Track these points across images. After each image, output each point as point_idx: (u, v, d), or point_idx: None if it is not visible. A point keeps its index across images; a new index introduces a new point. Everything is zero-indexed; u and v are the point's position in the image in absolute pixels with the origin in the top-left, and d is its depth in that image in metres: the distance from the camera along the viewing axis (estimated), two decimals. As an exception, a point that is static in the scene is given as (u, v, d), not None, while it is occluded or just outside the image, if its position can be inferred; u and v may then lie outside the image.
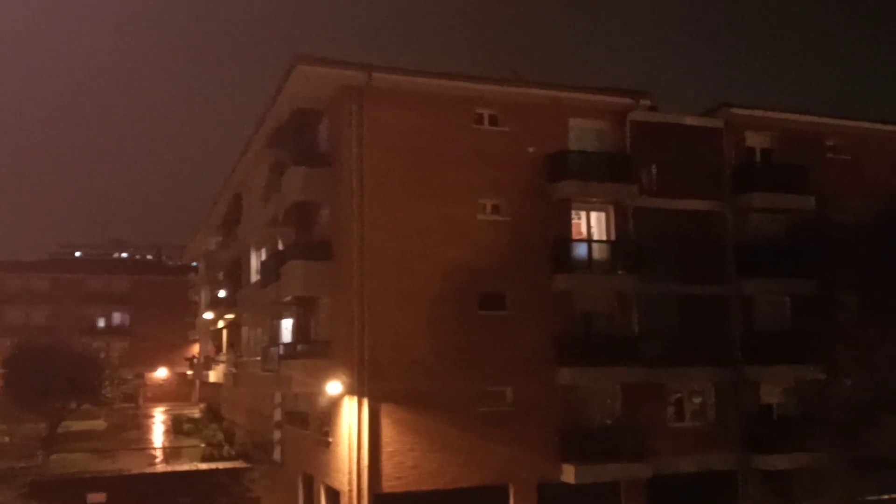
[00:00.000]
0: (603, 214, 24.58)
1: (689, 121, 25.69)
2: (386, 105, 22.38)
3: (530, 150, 23.40)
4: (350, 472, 21.25)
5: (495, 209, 23.24)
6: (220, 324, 43.86)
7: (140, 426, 50.77)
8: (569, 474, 22.31)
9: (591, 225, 24.55)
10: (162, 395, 73.69)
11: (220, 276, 42.85)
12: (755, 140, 26.54)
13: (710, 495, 24.27)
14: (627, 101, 24.57)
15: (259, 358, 29.93)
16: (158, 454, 33.76)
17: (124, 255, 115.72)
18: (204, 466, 28.22)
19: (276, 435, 30.06)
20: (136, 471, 28.28)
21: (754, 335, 25.38)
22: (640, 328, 24.23)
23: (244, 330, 37.20)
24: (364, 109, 22.18)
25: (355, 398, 21.44)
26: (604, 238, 24.47)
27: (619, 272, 23.72)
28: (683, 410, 24.82)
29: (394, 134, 22.39)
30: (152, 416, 58.28)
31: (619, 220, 24.46)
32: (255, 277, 32.73)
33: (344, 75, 22.24)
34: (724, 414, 24.89)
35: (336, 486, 22.39)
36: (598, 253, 23.80)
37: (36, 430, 36.66)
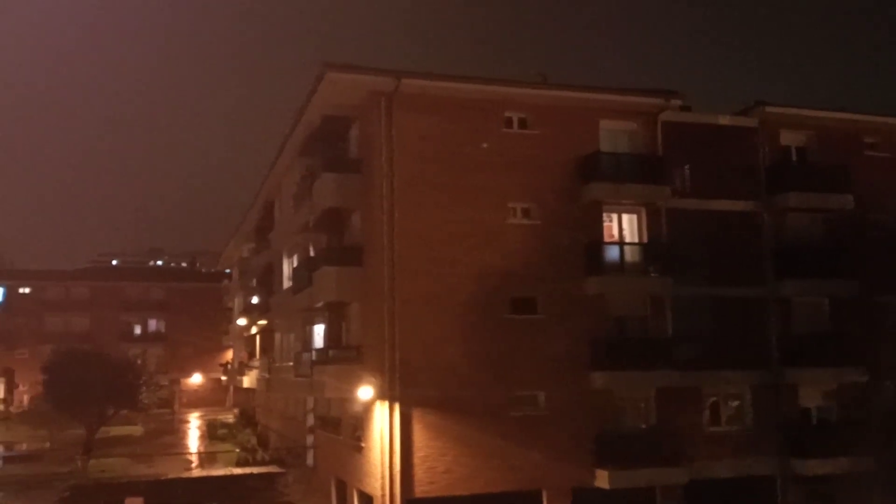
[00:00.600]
0: (635, 216, 24.32)
1: (723, 120, 25.32)
2: (415, 110, 22.37)
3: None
4: (382, 477, 21.19)
5: (525, 213, 23.09)
6: (254, 330, 44.20)
7: (176, 431, 51.39)
8: (603, 479, 22.05)
9: (622, 227, 24.31)
10: (197, 400, 74.52)
11: (254, 282, 43.18)
12: (790, 139, 26.08)
13: (748, 501, 23.81)
14: (658, 101, 24.30)
15: (292, 363, 30.07)
16: (194, 459, 34.09)
17: (160, 263, 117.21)
18: (238, 471, 28.44)
19: (310, 440, 30.15)
20: (172, 475, 28.58)
21: (792, 338, 24.90)
22: (675, 331, 23.86)
23: (277, 335, 37.42)
24: (393, 115, 22.21)
25: (387, 403, 21.41)
26: (636, 240, 24.22)
27: (653, 275, 23.42)
28: (720, 414, 24.44)
29: (423, 139, 22.37)
30: (188, 422, 58.96)
31: (652, 221, 24.16)
32: (287, 283, 32.90)
33: (373, 81, 22.29)
34: (762, 418, 24.45)
35: (369, 491, 22.36)
36: (631, 255, 23.53)
37: (75, 435, 37.20)
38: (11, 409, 62.95)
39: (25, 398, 63.98)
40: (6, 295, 74.56)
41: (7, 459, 39.75)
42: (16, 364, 69.23)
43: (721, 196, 24.83)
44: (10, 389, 66.77)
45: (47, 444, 39.85)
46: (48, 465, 33.36)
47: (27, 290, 75.23)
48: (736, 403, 24.65)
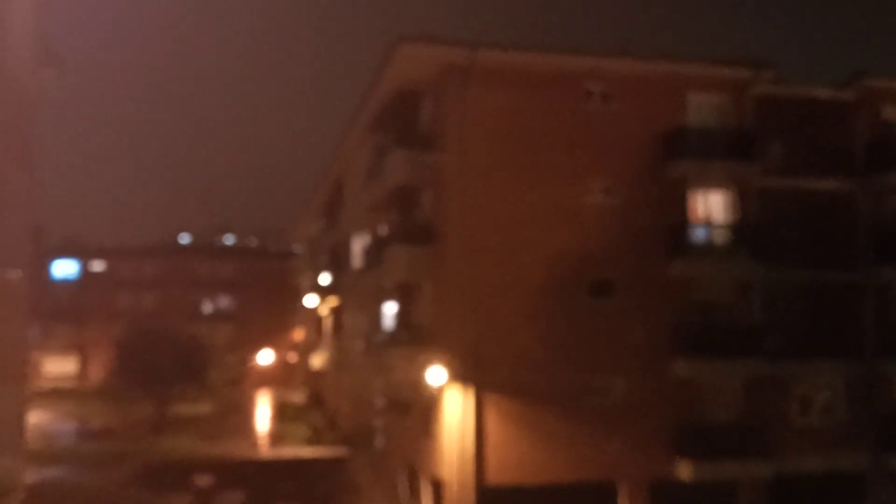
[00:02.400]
0: (723, 196, 23.34)
1: (819, 93, 24.06)
2: (490, 84, 21.87)
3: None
4: (454, 464, 20.93)
5: (605, 191, 22.42)
6: (323, 309, 44.25)
7: (244, 410, 51.87)
8: (684, 471, 21.49)
9: (709, 207, 23.33)
10: (266, 379, 75.35)
11: (323, 261, 43.18)
12: (893, 114, 24.52)
13: (837, 497, 22.97)
14: (750, 72, 23.23)
15: (361, 344, 29.86)
16: (263, 439, 34.23)
17: (229, 240, 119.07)
18: (307, 452, 28.34)
19: (379, 422, 29.93)
20: (241, 455, 28.69)
21: (891, 327, 23.63)
22: (764, 318, 22.94)
23: (346, 315, 37.28)
24: (467, 89, 21.75)
25: (458, 388, 21.11)
26: (723, 221, 23.21)
27: (741, 258, 22.44)
28: (810, 406, 23.42)
29: (498, 114, 21.90)
30: (257, 401, 59.58)
31: (741, 201, 23.20)
32: (357, 262, 32.69)
33: (447, 54, 21.84)
34: (855, 411, 23.48)
35: (440, 476, 22.07)
36: (718, 237, 22.67)
37: (146, 412, 37.80)
38: (84, 384, 64.78)
39: (98, 374, 65.68)
40: (78, 271, 76.62)
41: (80, 434, 40.71)
42: (88, 340, 71.23)
43: (816, 175, 23.72)
44: (82, 365, 68.77)
45: (119, 421, 40.62)
46: (120, 442, 33.95)
47: (100, 268, 77.18)
48: (827, 395, 23.64)
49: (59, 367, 71.36)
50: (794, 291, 23.27)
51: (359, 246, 32.68)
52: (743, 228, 22.86)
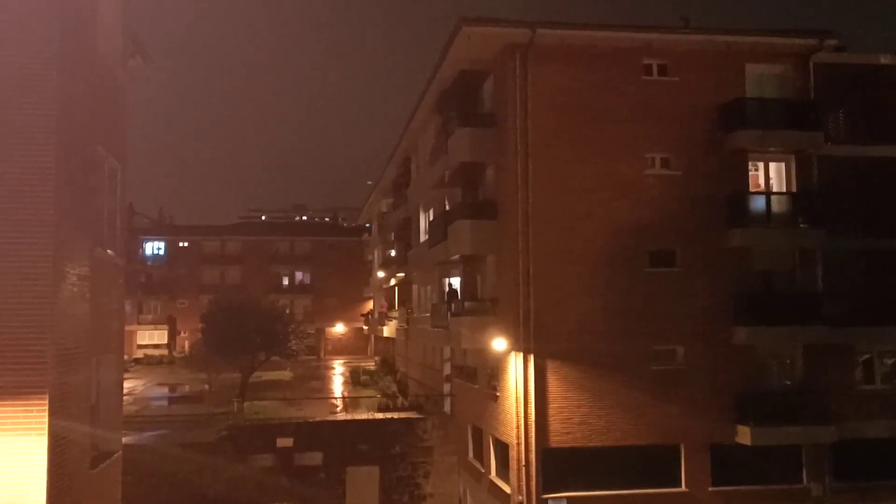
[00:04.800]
0: (783, 165, 23.22)
1: (883, 60, 23.60)
2: (550, 61, 22.08)
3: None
4: (518, 427, 21.55)
5: (664, 163, 22.48)
6: (392, 281, 45.51)
7: (321, 377, 53.85)
8: (744, 436, 21.61)
9: (769, 176, 23.26)
10: (340, 348, 77.86)
11: (392, 236, 44.31)
12: (960, 79, 23.88)
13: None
14: (811, 42, 22.89)
15: (429, 314, 30.78)
16: (339, 403, 35.60)
17: (304, 218, 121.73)
18: (380, 416, 29.48)
19: (447, 388, 30.98)
20: (319, 418, 29.91)
21: None
22: (825, 286, 22.77)
23: (414, 287, 38.38)
24: (528, 67, 22.00)
25: (521, 355, 21.64)
26: (784, 190, 23.11)
27: (802, 226, 22.38)
28: (873, 373, 23.24)
29: (558, 90, 22.10)
30: (332, 368, 61.62)
31: (802, 170, 22.98)
32: (423, 237, 33.56)
33: (508, 34, 22.11)
34: None
35: (504, 439, 22.81)
36: (778, 206, 22.55)
37: (231, 379, 39.57)
38: (174, 353, 67.95)
39: (186, 344, 68.81)
40: (167, 249, 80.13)
41: (172, 400, 43.09)
42: (177, 312, 74.63)
43: (879, 142, 23.28)
44: (172, 336, 72.11)
45: (207, 387, 42.62)
46: (208, 406, 35.56)
47: (186, 245, 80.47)
48: (892, 361, 23.40)
49: (150, 337, 75.34)
50: (856, 259, 23.00)
51: (425, 221, 33.60)
52: (803, 197, 22.72)
